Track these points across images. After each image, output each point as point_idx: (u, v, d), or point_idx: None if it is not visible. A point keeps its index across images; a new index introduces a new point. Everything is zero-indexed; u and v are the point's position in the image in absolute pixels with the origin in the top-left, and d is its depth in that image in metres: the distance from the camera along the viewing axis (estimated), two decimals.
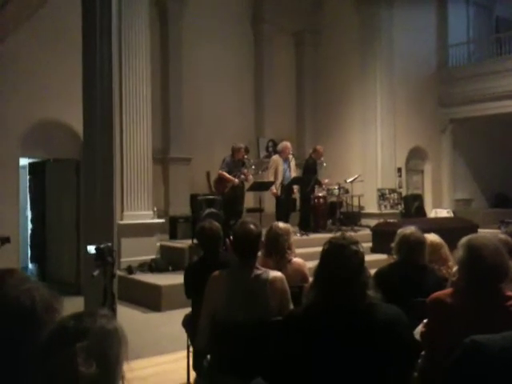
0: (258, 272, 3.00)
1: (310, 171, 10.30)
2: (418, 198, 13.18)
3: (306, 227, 10.18)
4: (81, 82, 5.15)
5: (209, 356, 3.19)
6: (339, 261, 2.25)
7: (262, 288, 2.93)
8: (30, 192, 10.92)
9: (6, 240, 4.80)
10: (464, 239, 2.55)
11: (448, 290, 2.61)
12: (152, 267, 8.47)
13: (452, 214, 12.98)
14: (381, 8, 12.43)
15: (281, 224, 3.96)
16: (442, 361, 2.37)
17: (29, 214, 10.98)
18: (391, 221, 10.34)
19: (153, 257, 8.82)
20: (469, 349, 1.86)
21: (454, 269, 3.16)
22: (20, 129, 8.68)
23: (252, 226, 3.07)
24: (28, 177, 10.82)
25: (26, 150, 9.02)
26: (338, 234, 2.52)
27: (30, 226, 10.97)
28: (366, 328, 2.19)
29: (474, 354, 1.84)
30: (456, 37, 14.47)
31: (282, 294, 2.98)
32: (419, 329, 2.72)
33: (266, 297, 2.92)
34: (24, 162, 10.14)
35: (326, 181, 10.79)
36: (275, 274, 3.03)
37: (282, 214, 9.40)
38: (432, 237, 3.85)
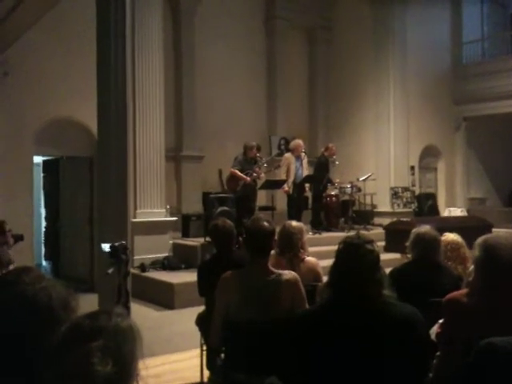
0: (272, 273, 2.96)
1: (322, 169, 10.27)
2: (432, 197, 13.08)
3: (318, 226, 10.16)
4: (95, 80, 5.18)
5: (222, 354, 3.19)
6: (354, 260, 2.24)
7: (277, 290, 2.90)
8: (43, 189, 11.01)
9: (20, 238, 4.83)
10: (480, 239, 2.52)
11: (464, 290, 2.58)
12: (165, 265, 8.50)
13: (465, 213, 12.87)
14: (394, 5, 12.35)
15: (294, 223, 3.94)
16: (457, 362, 2.35)
17: (42, 211, 11.06)
18: (404, 219, 10.26)
19: (165, 255, 8.85)
20: (485, 351, 1.84)
21: (470, 268, 3.14)
22: (34, 127, 8.76)
23: (265, 223, 3.02)
24: (42, 174, 10.90)
25: (40, 148, 9.10)
26: (352, 232, 2.51)
27: (43, 223, 11.06)
28: (382, 327, 2.18)
29: (490, 356, 1.81)
30: (470, 34, 14.34)
31: (296, 295, 2.95)
32: (434, 329, 2.70)
33: (280, 298, 2.89)
34: (38, 159, 10.22)
35: (338, 180, 10.75)
36: (289, 275, 2.98)
37: (294, 212, 9.39)
38: (453, 236, 3.84)
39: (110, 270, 3.36)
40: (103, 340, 1.21)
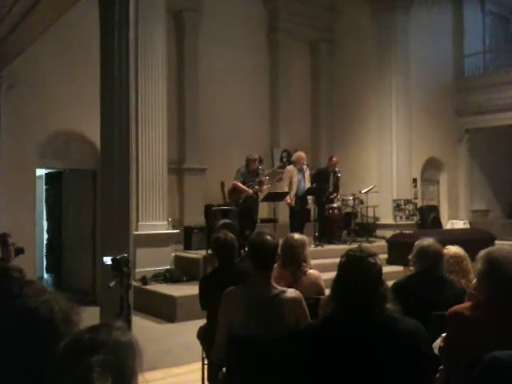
0: (275, 291, 2.94)
1: (322, 181, 10.27)
2: (434, 209, 13.05)
3: (320, 238, 10.13)
4: (98, 93, 5.20)
5: (224, 368, 3.17)
6: (357, 273, 2.23)
7: (280, 307, 2.88)
8: (46, 202, 11.01)
9: (21, 251, 4.82)
10: (483, 252, 2.51)
11: (467, 304, 2.57)
12: (166, 278, 8.47)
13: (468, 225, 12.84)
14: (397, 17, 12.41)
15: (296, 235, 3.92)
16: (460, 375, 2.33)
17: (45, 223, 11.05)
18: (407, 232, 10.23)
19: (167, 267, 8.82)
20: (489, 365, 1.82)
21: (473, 282, 3.11)
22: (38, 139, 8.78)
23: (269, 237, 3.04)
24: (44, 187, 10.91)
25: (43, 160, 9.11)
26: (355, 245, 2.50)
27: (45, 235, 11.05)
28: (385, 341, 2.16)
29: (494, 370, 1.80)
30: (472, 46, 14.39)
31: (299, 314, 2.92)
32: (437, 342, 2.68)
33: (283, 315, 2.87)
34: (40, 171, 10.24)
35: (335, 195, 10.60)
36: (292, 293, 2.96)
37: (297, 224, 9.36)
38: (455, 248, 3.81)
39: (112, 283, 3.35)
40: (103, 354, 1.21)
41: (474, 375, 1.87)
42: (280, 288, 2.98)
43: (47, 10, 6.64)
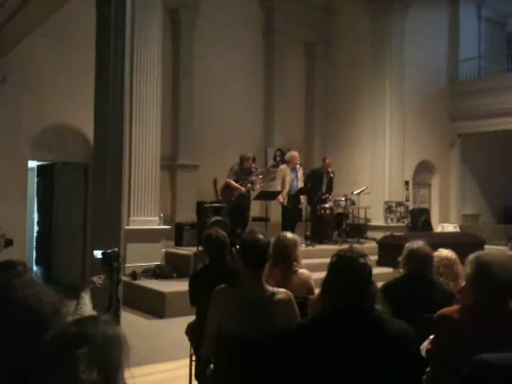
0: (267, 291, 2.93)
1: (314, 181, 10.30)
2: (425, 212, 13.12)
3: (312, 238, 10.16)
4: (93, 87, 5.19)
5: (212, 365, 3.17)
6: (347, 273, 2.23)
7: (270, 308, 2.88)
8: (37, 194, 10.95)
9: (10, 242, 4.77)
10: (472, 256, 2.52)
11: (455, 307, 2.58)
12: (156, 273, 8.45)
13: (458, 229, 12.91)
14: (392, 21, 12.46)
15: (289, 234, 3.92)
16: (447, 378, 2.34)
17: (35, 216, 11.00)
18: (397, 234, 10.28)
19: (158, 263, 8.80)
20: (477, 367, 1.83)
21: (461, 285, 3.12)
22: (31, 132, 8.75)
23: (260, 236, 3.02)
24: (36, 179, 10.85)
25: (35, 153, 9.07)
26: (346, 246, 2.51)
27: (35, 228, 10.99)
28: (374, 341, 2.17)
29: (482, 373, 1.80)
30: (467, 51, 14.44)
31: (289, 314, 2.92)
32: (425, 345, 2.69)
33: (273, 316, 2.86)
34: (32, 164, 10.18)
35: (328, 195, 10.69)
36: (283, 294, 2.94)
37: (289, 223, 9.38)
38: (447, 252, 3.82)
39: (102, 277, 3.33)
40: (89, 347, 1.20)
41: (462, 378, 1.88)
42: (271, 288, 2.97)
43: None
